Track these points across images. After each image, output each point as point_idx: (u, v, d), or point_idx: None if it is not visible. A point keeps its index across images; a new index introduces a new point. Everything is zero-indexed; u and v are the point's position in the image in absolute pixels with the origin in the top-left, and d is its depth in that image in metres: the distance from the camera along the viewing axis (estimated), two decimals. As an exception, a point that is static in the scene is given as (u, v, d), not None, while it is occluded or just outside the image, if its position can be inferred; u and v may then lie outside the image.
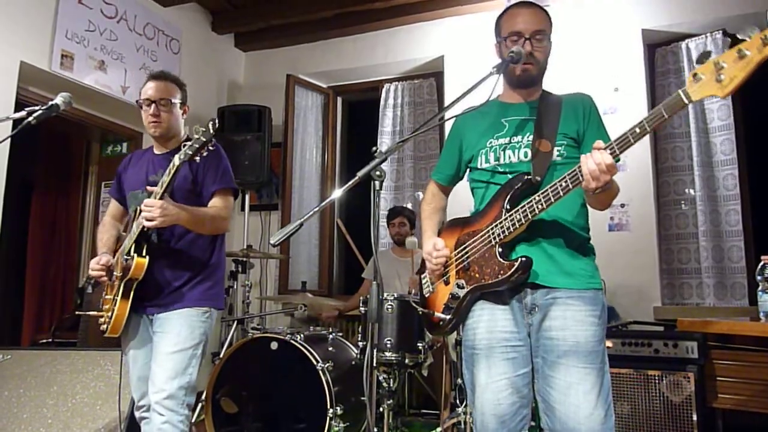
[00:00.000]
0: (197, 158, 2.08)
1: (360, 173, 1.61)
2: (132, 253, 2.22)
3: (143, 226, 2.18)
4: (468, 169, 2.00)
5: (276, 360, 3.16)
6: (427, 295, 1.98)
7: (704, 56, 1.44)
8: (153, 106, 2.38)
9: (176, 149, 2.38)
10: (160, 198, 2.11)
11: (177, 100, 2.45)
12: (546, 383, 1.72)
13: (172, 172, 2.10)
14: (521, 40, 1.81)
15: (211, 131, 2.06)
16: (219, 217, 2.34)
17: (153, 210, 2.07)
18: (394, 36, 5.05)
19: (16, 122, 2.16)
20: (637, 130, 1.51)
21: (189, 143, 2.07)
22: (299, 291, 4.29)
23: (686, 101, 1.44)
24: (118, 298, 2.24)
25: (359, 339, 3.25)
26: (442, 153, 2.11)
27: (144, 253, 2.23)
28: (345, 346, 3.46)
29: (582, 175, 1.56)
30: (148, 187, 2.19)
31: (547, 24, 1.86)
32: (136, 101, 2.46)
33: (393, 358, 2.97)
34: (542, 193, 1.66)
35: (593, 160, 1.53)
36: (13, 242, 5.09)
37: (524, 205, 1.69)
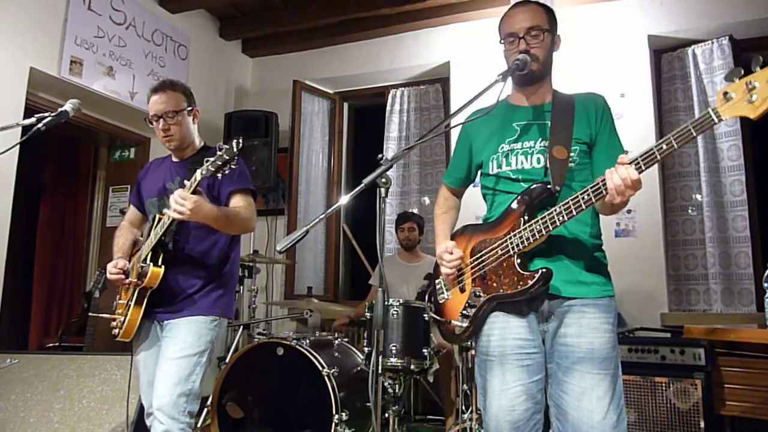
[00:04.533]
0: (219, 175, 2.03)
1: (366, 181, 1.61)
2: (148, 261, 2.22)
3: (161, 237, 2.19)
4: (479, 174, 2.00)
5: (282, 365, 3.16)
6: (441, 302, 1.96)
7: (733, 74, 1.42)
8: (161, 121, 2.34)
9: (192, 156, 2.42)
10: (193, 193, 2.07)
11: (183, 108, 2.39)
12: (560, 388, 1.72)
13: (194, 185, 2.07)
14: (516, 41, 1.81)
15: (235, 150, 1.98)
16: (247, 217, 2.31)
17: (186, 203, 2.02)
18: (400, 42, 5.07)
19: (26, 128, 2.18)
20: (664, 146, 1.48)
21: (212, 159, 2.01)
22: (305, 296, 4.29)
23: (716, 120, 1.43)
24: (132, 304, 2.24)
25: (365, 345, 3.25)
26: (453, 156, 2.09)
27: (160, 263, 2.23)
28: (351, 351, 3.46)
29: (606, 189, 1.55)
30: (185, 182, 2.13)
31: (543, 19, 1.84)
32: (145, 118, 2.44)
33: (398, 363, 2.97)
34: (563, 205, 1.64)
35: (619, 176, 1.52)
36: (21, 246, 5.12)
37: (544, 216, 1.68)
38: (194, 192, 2.07)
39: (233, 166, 2.01)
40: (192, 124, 2.45)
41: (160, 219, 2.26)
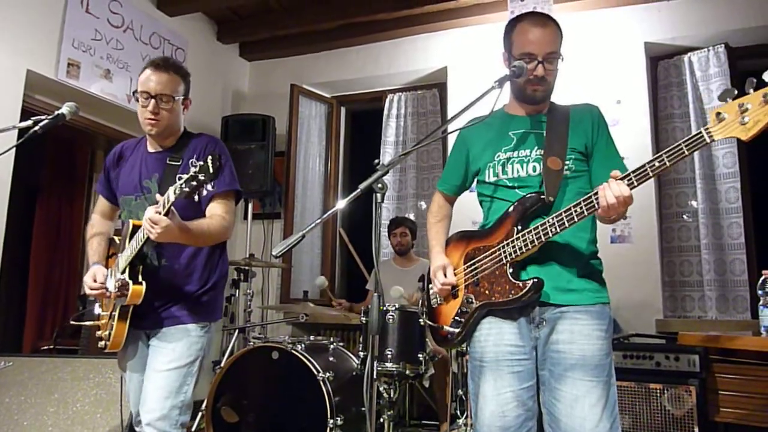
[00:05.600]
0: (195, 196, 1.80)
1: (362, 186, 1.62)
2: (127, 278, 2.01)
3: (139, 248, 2.01)
4: (475, 181, 2.01)
5: (277, 369, 3.16)
6: (434, 306, 1.98)
7: (727, 94, 1.44)
8: (152, 102, 2.10)
9: (172, 148, 2.20)
10: (165, 213, 1.85)
11: (180, 95, 2.17)
12: (552, 396, 1.72)
13: (168, 206, 1.83)
14: (534, 63, 1.78)
15: (211, 170, 1.74)
16: (219, 230, 2.10)
17: (156, 228, 1.84)
18: (398, 47, 5.08)
19: (22, 131, 2.17)
20: (656, 163, 1.52)
21: (185, 177, 1.77)
22: (301, 300, 4.29)
23: (708, 140, 1.46)
24: (116, 316, 2.06)
25: (360, 349, 3.25)
26: (448, 162, 2.10)
27: (140, 278, 2.03)
28: (346, 356, 3.45)
29: (598, 204, 1.58)
30: (158, 196, 1.93)
31: (559, 42, 1.83)
32: (133, 92, 2.19)
33: (394, 368, 2.97)
34: (556, 217, 1.67)
35: (611, 192, 1.54)
36: (16, 248, 5.10)
37: (537, 227, 1.70)
38: (167, 212, 1.85)
39: (210, 189, 1.79)
40: (181, 114, 2.23)
41: (136, 227, 2.06)
